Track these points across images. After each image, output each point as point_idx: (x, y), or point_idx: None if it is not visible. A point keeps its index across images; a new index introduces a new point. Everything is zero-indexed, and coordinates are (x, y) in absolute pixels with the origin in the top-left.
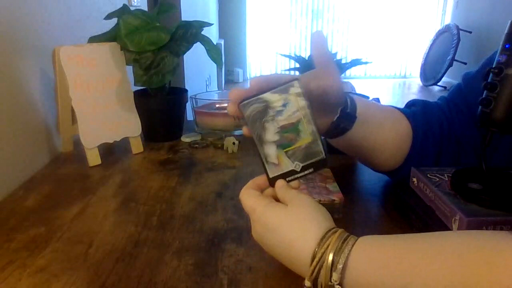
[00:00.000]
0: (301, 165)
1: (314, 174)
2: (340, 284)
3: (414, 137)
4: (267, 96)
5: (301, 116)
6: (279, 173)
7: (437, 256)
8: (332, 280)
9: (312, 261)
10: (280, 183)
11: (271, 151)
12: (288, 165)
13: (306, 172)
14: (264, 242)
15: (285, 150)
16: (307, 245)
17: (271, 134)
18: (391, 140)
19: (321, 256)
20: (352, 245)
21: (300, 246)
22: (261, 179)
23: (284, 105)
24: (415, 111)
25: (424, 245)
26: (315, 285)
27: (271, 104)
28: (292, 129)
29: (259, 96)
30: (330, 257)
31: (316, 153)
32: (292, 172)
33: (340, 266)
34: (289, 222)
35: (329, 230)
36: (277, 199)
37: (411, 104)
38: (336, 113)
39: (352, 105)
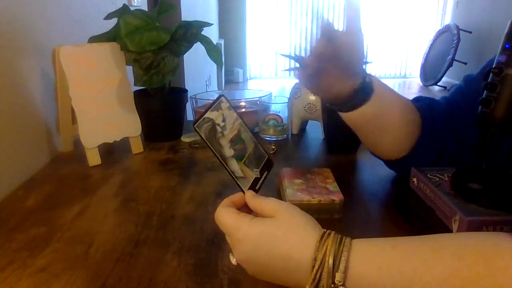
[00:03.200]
0: (258, 170)
1: (312, 174)
2: (343, 285)
3: (422, 127)
4: (210, 114)
5: (239, 126)
6: (250, 184)
7: (437, 260)
8: (335, 281)
9: (313, 266)
10: (249, 193)
11: (234, 166)
12: (251, 174)
13: (264, 176)
14: (256, 261)
15: (242, 161)
16: (306, 252)
17: (227, 149)
18: (402, 123)
19: (322, 259)
20: (350, 245)
21: (299, 254)
22: (237, 197)
23: (224, 120)
24: (422, 105)
25: (423, 248)
26: None
27: (215, 121)
28: (238, 140)
29: (204, 116)
30: (331, 259)
31: (262, 155)
32: (256, 180)
33: (342, 266)
34: (283, 232)
35: (324, 233)
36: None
37: (416, 100)
38: (355, 82)
39: (370, 78)
